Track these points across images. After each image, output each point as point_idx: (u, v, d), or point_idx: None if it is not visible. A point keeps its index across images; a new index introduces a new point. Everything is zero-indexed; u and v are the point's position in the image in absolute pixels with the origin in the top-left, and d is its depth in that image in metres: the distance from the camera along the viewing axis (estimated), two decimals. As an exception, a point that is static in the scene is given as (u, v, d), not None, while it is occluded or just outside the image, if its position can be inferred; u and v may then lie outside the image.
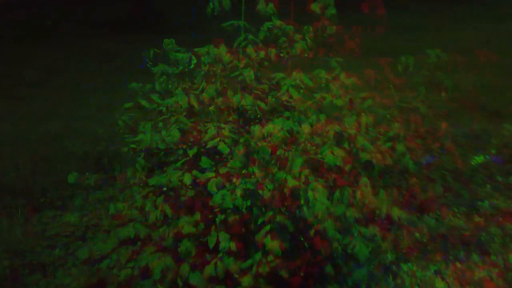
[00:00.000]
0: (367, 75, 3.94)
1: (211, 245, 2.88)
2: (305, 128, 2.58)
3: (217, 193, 2.66)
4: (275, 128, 2.46)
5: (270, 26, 3.00)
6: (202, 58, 2.77)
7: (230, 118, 2.92)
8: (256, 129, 2.35)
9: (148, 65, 3.02)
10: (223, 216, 2.86)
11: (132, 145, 2.90)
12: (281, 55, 3.04)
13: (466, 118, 6.99)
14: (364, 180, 2.81)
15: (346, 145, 3.25)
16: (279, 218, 2.45)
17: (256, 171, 2.37)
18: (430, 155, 5.59)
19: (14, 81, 9.45)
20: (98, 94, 8.25)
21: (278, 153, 2.44)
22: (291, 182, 2.36)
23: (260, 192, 2.56)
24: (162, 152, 3.23)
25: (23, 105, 8.06)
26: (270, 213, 2.38)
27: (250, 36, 3.27)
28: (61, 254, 3.64)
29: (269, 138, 2.33)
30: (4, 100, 8.20)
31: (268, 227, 2.45)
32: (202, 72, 2.83)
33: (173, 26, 12.62)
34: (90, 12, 15.12)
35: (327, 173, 3.19)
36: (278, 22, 2.99)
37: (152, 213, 2.86)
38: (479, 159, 5.79)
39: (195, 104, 2.64)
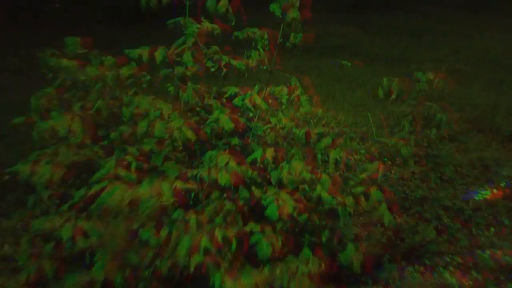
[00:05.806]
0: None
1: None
2: (223, 179, 1.84)
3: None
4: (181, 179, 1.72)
5: (196, 30, 2.25)
6: (87, 68, 2.04)
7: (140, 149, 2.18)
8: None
9: (43, 72, 2.30)
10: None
11: (6, 176, 2.20)
12: (212, 69, 2.29)
13: (476, 143, 6.10)
14: (305, 251, 2.07)
15: (307, 188, 2.55)
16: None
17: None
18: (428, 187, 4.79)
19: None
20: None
21: (175, 214, 1.71)
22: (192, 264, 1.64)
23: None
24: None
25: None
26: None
27: (190, 39, 2.53)
28: None
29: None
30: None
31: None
32: (97, 87, 2.08)
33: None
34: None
35: (273, 225, 2.47)
36: (207, 25, 2.24)
37: (24, 271, 2.14)
38: (484, 194, 4.96)
39: (79, 131, 1.92)
